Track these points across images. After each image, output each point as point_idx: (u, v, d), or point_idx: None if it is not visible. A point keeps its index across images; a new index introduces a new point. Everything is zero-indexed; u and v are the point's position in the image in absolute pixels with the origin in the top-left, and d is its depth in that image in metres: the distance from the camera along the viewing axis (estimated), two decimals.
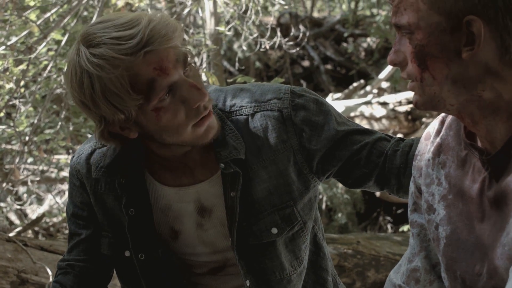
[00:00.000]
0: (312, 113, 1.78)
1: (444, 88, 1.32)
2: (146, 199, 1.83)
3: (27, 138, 4.42)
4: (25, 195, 6.10)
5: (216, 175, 1.79)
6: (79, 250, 1.91)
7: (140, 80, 1.60)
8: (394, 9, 1.33)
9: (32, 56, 3.93)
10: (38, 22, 4.06)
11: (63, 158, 5.58)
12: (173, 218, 1.85)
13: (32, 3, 3.99)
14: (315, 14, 10.38)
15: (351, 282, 3.94)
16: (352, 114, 6.27)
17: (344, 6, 10.19)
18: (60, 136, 4.74)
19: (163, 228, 1.86)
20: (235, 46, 8.61)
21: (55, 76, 4.33)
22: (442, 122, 1.51)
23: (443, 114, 1.52)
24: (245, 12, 5.13)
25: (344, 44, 9.79)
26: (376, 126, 6.26)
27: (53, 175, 5.84)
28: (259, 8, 5.11)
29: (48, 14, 4.23)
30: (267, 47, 5.38)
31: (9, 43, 4.03)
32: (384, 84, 7.28)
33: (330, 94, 7.26)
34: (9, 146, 5.40)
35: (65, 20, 4.13)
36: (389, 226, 6.69)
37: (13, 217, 6.04)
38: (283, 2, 5.77)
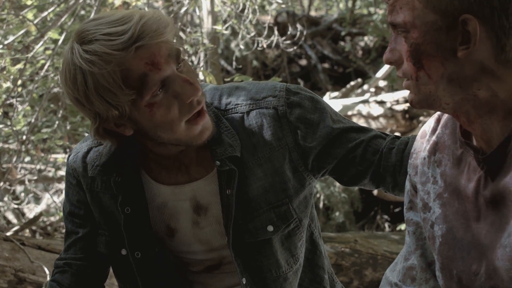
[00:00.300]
0: (308, 110, 1.79)
1: (440, 87, 1.33)
2: (142, 197, 1.83)
3: (24, 137, 4.41)
4: (22, 194, 6.09)
5: (212, 173, 1.80)
6: (76, 248, 1.91)
7: (132, 75, 1.60)
8: (390, 8, 1.34)
9: (29, 55, 3.92)
10: (35, 21, 4.06)
11: (61, 157, 5.57)
12: (169, 216, 1.85)
13: (29, 2, 3.99)
14: (312, 13, 10.38)
15: (349, 280, 3.95)
16: (349, 113, 6.28)
17: (341, 5, 10.19)
18: (57, 135, 4.73)
19: (159, 226, 1.87)
20: (233, 45, 8.61)
21: (52, 75, 4.32)
22: (438, 121, 1.52)
23: (439, 112, 1.52)
24: (242, 11, 5.13)
25: (342, 43, 9.79)
26: (374, 124, 6.27)
27: (50, 174, 5.83)
28: (256, 7, 5.11)
29: (45, 13, 4.22)
30: (265, 46, 5.38)
31: (6, 42, 4.03)
32: (382, 83, 7.29)
33: (328, 93, 7.27)
34: (6, 145, 5.39)
35: (62, 19, 4.13)
36: (386, 224, 6.69)
37: (10, 216, 6.04)
38: (280, 1, 5.77)
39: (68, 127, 5.05)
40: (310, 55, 9.46)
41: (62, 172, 5.52)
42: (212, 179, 1.80)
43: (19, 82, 4.04)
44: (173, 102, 1.65)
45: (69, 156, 1.93)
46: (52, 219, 5.91)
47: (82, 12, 5.51)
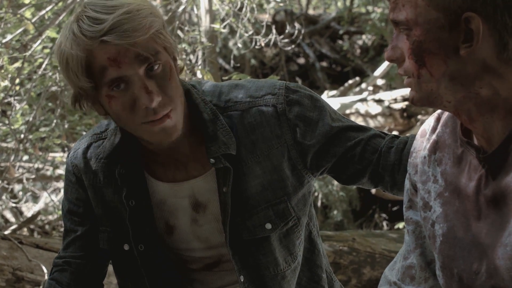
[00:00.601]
0: (307, 108, 1.79)
1: (441, 85, 1.32)
2: (145, 191, 1.84)
3: (22, 136, 4.41)
4: (20, 193, 6.09)
5: (211, 171, 1.80)
6: (75, 246, 1.91)
7: (94, 64, 1.65)
8: (392, 5, 1.33)
9: (27, 53, 3.92)
10: (33, 20, 4.05)
11: (59, 156, 5.57)
12: (168, 213, 1.85)
13: (27, 1, 3.98)
14: (311, 12, 10.38)
15: (347, 279, 3.95)
16: (347, 111, 6.28)
17: (339, 4, 10.19)
18: (55, 134, 4.73)
19: (159, 223, 1.87)
20: (231, 43, 8.61)
21: (50, 73, 4.32)
22: (438, 119, 1.51)
23: (438, 111, 1.52)
24: (240, 9, 5.12)
25: (340, 42, 9.80)
26: (372, 123, 6.27)
27: (48, 173, 5.82)
28: (254, 6, 5.11)
29: (43, 12, 4.22)
30: (263, 44, 5.38)
31: (4, 40, 4.02)
32: (380, 82, 7.29)
33: (326, 92, 7.26)
34: (4, 144, 5.39)
35: (60, 18, 4.12)
36: (384, 223, 6.70)
37: (8, 215, 6.03)
38: (278, 0, 5.76)
39: (66, 126, 5.05)
40: (308, 53, 9.45)
41: (60, 171, 5.52)
42: (211, 177, 1.80)
43: (17, 80, 4.04)
44: (128, 102, 1.67)
45: (68, 154, 1.93)
46: (50, 217, 5.91)
47: None
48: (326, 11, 10.53)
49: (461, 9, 1.26)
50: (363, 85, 7.08)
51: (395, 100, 6.30)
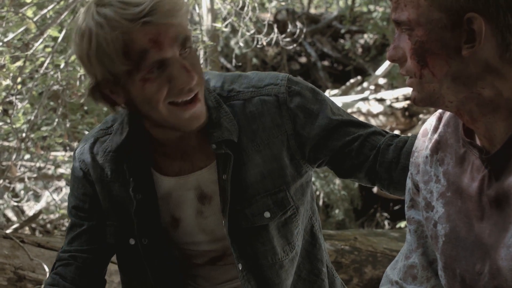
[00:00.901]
0: (308, 100, 1.81)
1: (444, 85, 1.32)
2: (152, 185, 1.85)
3: (24, 134, 4.41)
4: (22, 192, 6.09)
5: (215, 161, 1.81)
6: (81, 241, 1.93)
7: (134, 47, 1.63)
8: (394, 5, 1.33)
9: (29, 52, 3.92)
10: (35, 19, 4.05)
11: (60, 155, 5.57)
12: (173, 205, 1.87)
13: (28, 0, 3.98)
14: (312, 11, 10.38)
15: (348, 278, 3.95)
16: (349, 111, 6.28)
17: (341, 3, 10.19)
18: (57, 133, 4.73)
19: (164, 216, 1.88)
20: (232, 42, 8.61)
21: (52, 72, 4.32)
22: (440, 119, 1.51)
23: (440, 110, 1.51)
24: (242, 8, 5.13)
25: (341, 41, 9.79)
26: (373, 122, 6.27)
27: (50, 172, 5.83)
28: (256, 5, 5.11)
29: (44, 11, 4.22)
30: (264, 43, 5.38)
31: (5, 39, 4.03)
32: (381, 81, 7.29)
33: (327, 91, 7.27)
34: (6, 143, 5.39)
35: (62, 17, 4.12)
36: (386, 222, 6.70)
37: (10, 214, 6.03)
38: None
39: (68, 125, 5.05)
40: (310, 52, 9.46)
41: (61, 170, 5.52)
42: (216, 168, 1.82)
43: (19, 79, 4.04)
44: (165, 83, 1.67)
45: (75, 150, 1.95)
46: (52, 216, 5.92)
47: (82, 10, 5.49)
48: (328, 10, 10.53)
49: (463, 9, 1.26)
50: (365, 84, 7.08)
51: (397, 99, 6.31)
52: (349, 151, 1.80)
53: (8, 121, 4.34)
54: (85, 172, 1.90)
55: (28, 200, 6.09)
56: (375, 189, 6.32)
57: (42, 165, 5.28)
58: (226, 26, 5.17)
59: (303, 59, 9.73)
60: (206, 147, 1.81)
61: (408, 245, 1.60)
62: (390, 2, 1.35)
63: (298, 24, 6.22)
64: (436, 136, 1.50)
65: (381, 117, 6.36)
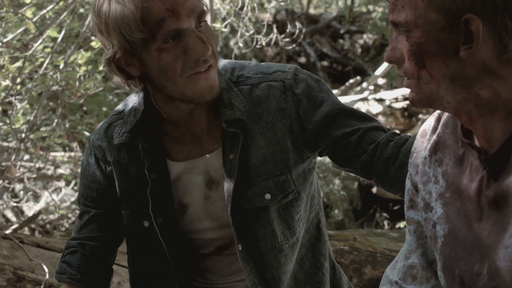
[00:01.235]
0: (313, 89, 1.85)
1: (442, 86, 1.32)
2: (164, 166, 1.88)
3: (23, 135, 4.41)
4: (21, 192, 6.09)
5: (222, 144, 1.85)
6: (90, 228, 1.96)
7: (151, 16, 1.67)
8: (392, 7, 1.33)
9: (28, 53, 3.92)
10: (34, 19, 4.06)
11: (59, 155, 5.57)
12: (182, 191, 1.89)
13: (28, 0, 3.98)
14: (312, 11, 10.39)
15: (348, 278, 3.95)
16: None
17: (340, 3, 10.20)
18: (56, 133, 4.73)
19: (174, 202, 1.90)
20: (232, 42, 8.62)
21: (51, 73, 4.32)
22: (438, 119, 1.51)
23: (438, 111, 1.51)
24: (241, 8, 5.13)
25: (341, 41, 9.80)
26: None
27: (49, 172, 5.83)
28: (255, 5, 5.11)
29: (44, 11, 4.22)
30: (264, 43, 5.38)
31: (5, 40, 4.03)
32: (381, 81, 7.30)
33: None
34: (5, 143, 5.39)
35: (61, 17, 4.13)
36: (385, 222, 6.70)
37: (9, 214, 6.03)
38: None
39: (67, 125, 5.05)
40: (309, 53, 9.46)
41: (61, 170, 5.52)
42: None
43: (18, 80, 4.04)
44: (181, 54, 1.71)
45: (90, 137, 1.98)
46: (51, 217, 5.92)
47: (81, 10, 5.51)
48: (327, 10, 10.54)
49: (461, 10, 1.26)
50: (364, 84, 7.08)
51: (396, 100, 6.31)
52: (348, 143, 1.83)
53: (8, 121, 4.35)
54: (97, 158, 1.94)
55: (27, 201, 6.09)
56: (374, 189, 6.32)
57: (42, 165, 5.28)
58: (225, 27, 5.17)
59: (302, 59, 9.74)
60: (215, 129, 1.84)
61: (408, 246, 1.60)
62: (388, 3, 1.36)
63: (297, 24, 6.22)
64: (434, 136, 1.50)
65: (380, 117, 6.36)
